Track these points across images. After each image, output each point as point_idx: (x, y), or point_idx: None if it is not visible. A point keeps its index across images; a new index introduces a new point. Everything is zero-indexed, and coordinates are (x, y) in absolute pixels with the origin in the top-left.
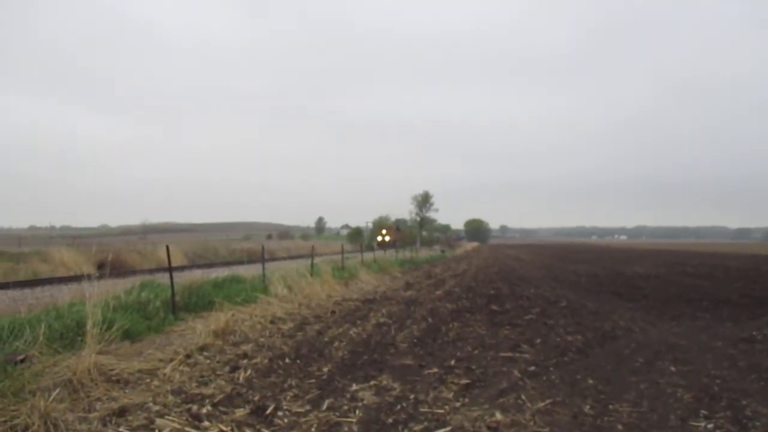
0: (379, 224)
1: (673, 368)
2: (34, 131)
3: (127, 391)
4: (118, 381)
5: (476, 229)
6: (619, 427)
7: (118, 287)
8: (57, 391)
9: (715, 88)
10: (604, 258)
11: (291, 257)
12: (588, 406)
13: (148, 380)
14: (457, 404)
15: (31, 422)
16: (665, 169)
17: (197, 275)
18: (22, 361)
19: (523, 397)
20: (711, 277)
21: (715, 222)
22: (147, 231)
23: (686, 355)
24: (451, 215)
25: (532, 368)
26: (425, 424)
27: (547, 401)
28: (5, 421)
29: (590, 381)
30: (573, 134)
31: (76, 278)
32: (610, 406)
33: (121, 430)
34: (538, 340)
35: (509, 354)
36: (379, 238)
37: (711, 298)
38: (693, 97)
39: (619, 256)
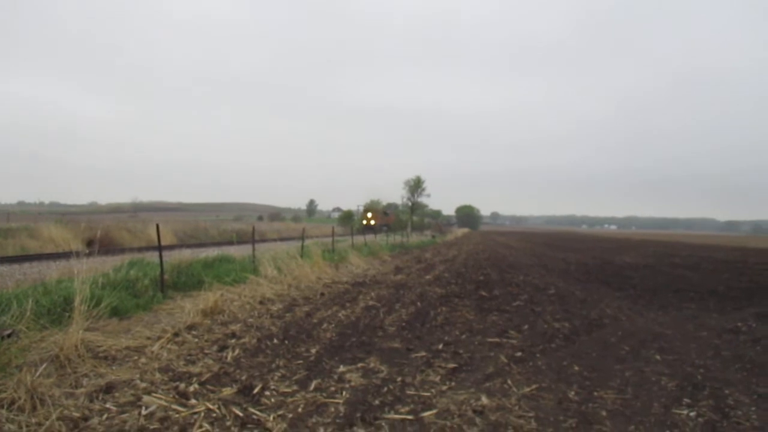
0: (370, 208)
1: (658, 357)
2: (24, 107)
3: (114, 367)
4: (105, 358)
5: (467, 216)
6: (603, 413)
7: (107, 265)
8: (44, 366)
9: (711, 81)
10: (594, 247)
11: (282, 239)
12: (573, 392)
13: (135, 357)
14: (444, 388)
15: (17, 396)
16: (657, 160)
17: (187, 254)
18: (9, 335)
19: (509, 382)
20: (699, 269)
21: (705, 214)
22: (137, 209)
23: (671, 344)
24: (442, 201)
25: (519, 354)
26: (412, 406)
27: (533, 386)
28: None
29: (576, 368)
30: (567, 124)
31: (65, 255)
32: (595, 393)
33: (107, 406)
34: (526, 327)
35: (496, 339)
36: (365, 222)
37: (698, 289)
38: (687, 90)
39: (608, 245)
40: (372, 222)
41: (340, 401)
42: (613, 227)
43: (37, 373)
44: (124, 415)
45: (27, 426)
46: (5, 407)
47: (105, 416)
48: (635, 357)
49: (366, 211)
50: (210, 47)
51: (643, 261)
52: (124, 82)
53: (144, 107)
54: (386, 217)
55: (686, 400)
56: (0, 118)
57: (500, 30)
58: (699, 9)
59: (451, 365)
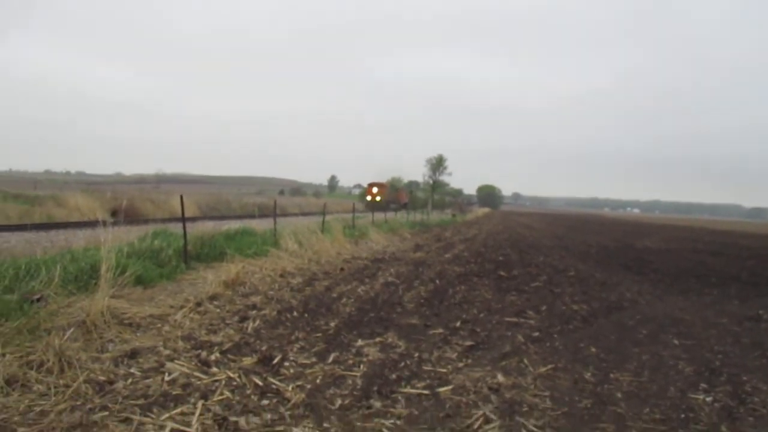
0: (391, 185)
1: (676, 341)
2: (53, 78)
3: (138, 334)
4: (130, 324)
5: (488, 195)
6: (619, 395)
7: (131, 234)
8: (71, 330)
9: (741, 61)
10: (616, 230)
11: (303, 214)
12: (589, 374)
13: (159, 325)
14: (460, 365)
15: (46, 359)
16: (682, 144)
17: (209, 226)
18: (38, 300)
19: (526, 361)
20: (721, 254)
21: (730, 200)
22: (161, 181)
23: (690, 330)
24: (464, 180)
25: (536, 334)
26: (428, 381)
27: (549, 366)
28: (21, 357)
29: (593, 349)
30: (592, 104)
31: (90, 224)
32: (611, 375)
33: (132, 371)
34: (544, 307)
35: (514, 319)
36: (368, 198)
37: (720, 275)
38: (718, 73)
39: (630, 229)
40: (378, 198)
41: (358, 374)
42: (636, 211)
43: (65, 337)
44: (147, 380)
45: (55, 387)
46: (35, 368)
47: (129, 380)
48: (653, 341)
49: (371, 185)
50: (233, 17)
51: (665, 245)
52: (150, 52)
53: (169, 78)
54: (396, 193)
55: (703, 386)
56: (27, 87)
57: (531, 6)
58: None
59: (468, 343)
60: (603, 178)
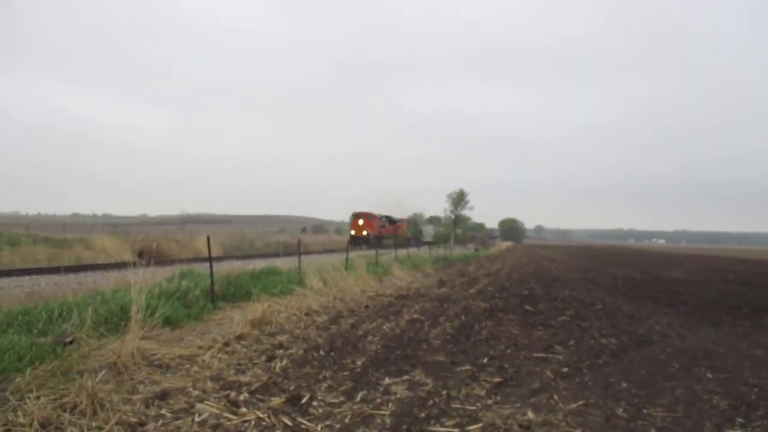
0: (413, 221)
1: (709, 375)
2: (77, 122)
3: (168, 375)
4: (159, 365)
5: (510, 229)
6: (653, 431)
7: (157, 275)
8: (103, 372)
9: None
10: (642, 261)
11: (326, 251)
12: (621, 409)
13: (188, 366)
14: (489, 402)
15: (79, 401)
16: (707, 172)
17: (235, 266)
18: (70, 342)
19: (556, 397)
20: (753, 284)
21: (759, 228)
22: (184, 221)
23: (724, 363)
24: (485, 214)
25: (565, 369)
26: (457, 419)
27: (580, 402)
28: (55, 399)
29: (624, 384)
30: (612, 135)
31: (117, 265)
32: (644, 410)
33: (163, 412)
34: (572, 342)
35: (542, 354)
36: (353, 232)
37: (752, 306)
38: (738, 97)
39: (657, 260)
40: (364, 232)
41: (387, 413)
42: (662, 241)
43: (97, 379)
44: (178, 422)
45: (88, 429)
46: (68, 411)
47: (160, 422)
48: (686, 375)
49: (357, 216)
50: (252, 58)
51: (694, 276)
52: (171, 94)
53: (191, 120)
54: (393, 226)
55: (739, 420)
56: (55, 134)
57: (547, 38)
58: None
59: (497, 379)
60: (627, 209)
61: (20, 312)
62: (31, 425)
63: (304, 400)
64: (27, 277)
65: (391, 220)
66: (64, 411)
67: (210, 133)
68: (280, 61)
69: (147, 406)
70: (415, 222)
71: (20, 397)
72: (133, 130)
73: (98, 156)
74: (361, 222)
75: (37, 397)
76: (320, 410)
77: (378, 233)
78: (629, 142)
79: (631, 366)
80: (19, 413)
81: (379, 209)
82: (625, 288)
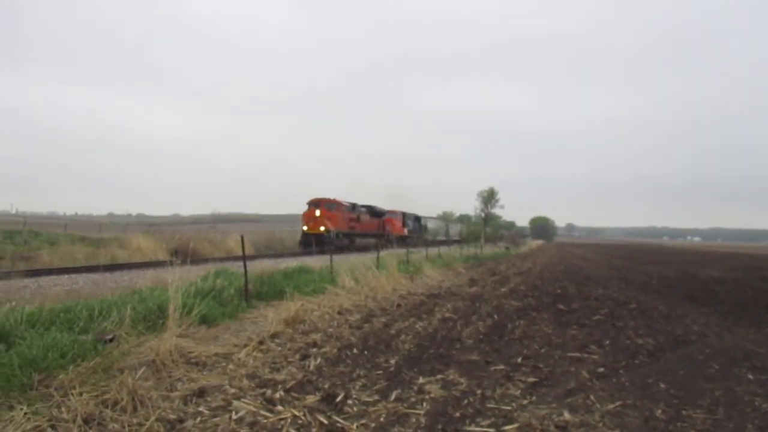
0: (443, 219)
1: (750, 376)
2: (114, 127)
3: (205, 373)
4: (196, 363)
5: (541, 227)
6: None
7: (192, 274)
8: (142, 370)
9: None
10: (676, 260)
11: (357, 250)
12: (660, 411)
13: (224, 364)
14: (525, 402)
15: (119, 398)
16: (743, 167)
17: (267, 265)
18: (110, 340)
19: (592, 397)
20: None
21: None
22: (216, 220)
23: (765, 363)
24: (516, 212)
25: (601, 369)
26: (492, 419)
27: (617, 403)
28: (97, 396)
29: (662, 385)
30: (646, 132)
31: (152, 264)
32: (684, 412)
33: (201, 409)
34: (607, 342)
35: (577, 354)
36: (305, 227)
37: None
38: None
39: (692, 258)
40: (322, 228)
41: (421, 412)
42: (697, 239)
43: (137, 376)
44: (216, 419)
45: (129, 426)
46: (110, 407)
47: (199, 419)
48: (725, 375)
49: (313, 205)
50: (279, 61)
51: (731, 275)
52: (202, 96)
53: (221, 120)
54: (373, 220)
55: None
56: (91, 135)
57: (583, 40)
58: None
59: (531, 379)
60: (660, 206)
61: (62, 310)
62: (74, 421)
63: (338, 399)
64: (66, 276)
65: (373, 212)
66: (106, 407)
67: (240, 134)
68: (303, 64)
69: (185, 403)
70: (444, 219)
71: (64, 394)
72: (166, 133)
73: (132, 158)
74: (317, 213)
75: (80, 394)
76: (355, 409)
77: (348, 229)
78: (663, 136)
79: (668, 366)
80: (63, 409)
81: (410, 209)
82: (660, 287)
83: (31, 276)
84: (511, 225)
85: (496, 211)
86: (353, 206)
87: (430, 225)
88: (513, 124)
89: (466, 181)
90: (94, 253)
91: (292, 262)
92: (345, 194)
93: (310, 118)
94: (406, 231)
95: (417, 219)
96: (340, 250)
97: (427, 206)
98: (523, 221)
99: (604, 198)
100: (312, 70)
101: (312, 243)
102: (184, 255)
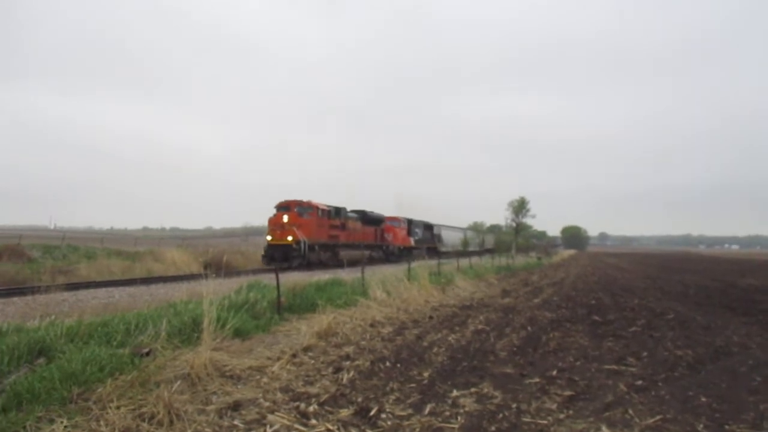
0: (474, 229)
1: None
2: (150, 142)
3: (239, 386)
4: (231, 376)
5: (573, 236)
6: None
7: (224, 286)
8: (178, 383)
9: None
10: (714, 269)
11: (388, 262)
12: (701, 425)
13: (258, 377)
14: (561, 416)
15: (156, 411)
16: None
17: (300, 277)
18: (147, 354)
19: (631, 411)
20: None
21: None
22: (248, 233)
23: None
24: (547, 221)
25: (640, 382)
26: None
27: (657, 417)
28: (134, 409)
29: (703, 398)
30: (679, 138)
31: (186, 277)
32: (726, 427)
33: (236, 423)
34: (645, 354)
35: (614, 367)
36: (270, 237)
37: None
38: None
39: (730, 266)
40: (290, 238)
41: (456, 426)
42: (735, 247)
43: (173, 390)
44: None
45: None
46: (146, 421)
47: None
48: None
49: (281, 209)
50: (306, 76)
51: None
52: (230, 110)
53: (250, 137)
54: (365, 229)
55: None
56: (128, 152)
57: (607, 43)
58: None
59: (568, 393)
60: (696, 214)
61: (99, 324)
62: None
63: (372, 413)
64: (103, 289)
65: (367, 218)
66: (143, 421)
67: (268, 147)
68: (331, 78)
69: (220, 417)
70: (476, 229)
71: (102, 407)
72: (199, 149)
73: (166, 173)
74: (285, 219)
75: (118, 407)
76: (389, 422)
77: (329, 239)
78: (698, 140)
79: (709, 379)
80: (101, 423)
81: (441, 220)
82: (698, 297)
83: (69, 290)
84: (542, 235)
85: (528, 220)
86: (337, 211)
87: (446, 234)
88: (543, 133)
89: (497, 191)
90: (130, 267)
91: (324, 275)
92: (372, 206)
93: (340, 131)
94: (412, 241)
95: (428, 227)
96: (319, 266)
97: (456, 218)
98: (554, 231)
99: (637, 206)
100: (341, 84)
101: (277, 257)
102: (217, 268)
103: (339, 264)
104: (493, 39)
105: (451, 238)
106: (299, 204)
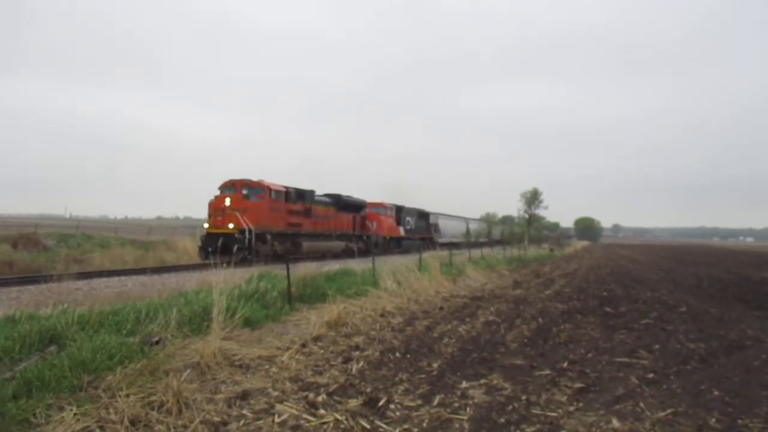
0: (486, 221)
1: None
2: (161, 132)
3: (248, 375)
4: (240, 366)
5: (586, 228)
6: None
7: (235, 276)
8: (187, 372)
9: None
10: (728, 261)
11: (399, 252)
12: (714, 419)
13: (267, 367)
14: (571, 408)
15: (165, 400)
16: None
17: (310, 267)
18: (156, 342)
19: (642, 405)
20: None
21: None
22: None
23: None
24: (560, 213)
25: (651, 375)
26: (538, 426)
27: (668, 411)
28: (143, 398)
29: (716, 392)
30: (693, 128)
31: (198, 266)
32: (739, 421)
33: (244, 412)
34: (657, 346)
35: (625, 359)
36: (207, 225)
37: None
38: None
39: (745, 259)
40: (231, 225)
41: (465, 418)
42: (750, 239)
43: (182, 379)
44: (259, 422)
45: (174, 428)
46: (155, 409)
47: (242, 422)
48: None
49: (225, 190)
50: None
51: None
52: (242, 99)
53: (261, 121)
54: (340, 216)
55: None
56: (143, 143)
57: (621, 34)
58: None
59: (578, 385)
60: (711, 205)
61: (110, 312)
62: (121, 422)
63: (381, 403)
64: (116, 278)
65: (342, 204)
66: (152, 409)
67: (274, 135)
68: (341, 68)
69: (229, 406)
70: (488, 221)
71: (111, 395)
72: (210, 138)
73: (179, 163)
74: (227, 202)
75: (127, 395)
76: (398, 413)
77: (288, 227)
78: (710, 134)
79: (722, 372)
80: (111, 410)
81: (454, 210)
82: (712, 289)
83: (83, 278)
84: (555, 226)
85: (540, 212)
86: (299, 193)
87: (443, 223)
88: (555, 123)
89: (508, 181)
90: (143, 256)
91: (334, 265)
92: (381, 197)
93: (348, 121)
94: (402, 231)
95: (422, 216)
96: (277, 258)
97: (469, 208)
98: (567, 222)
99: (651, 198)
100: (351, 74)
101: (215, 249)
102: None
103: (300, 256)
104: (504, 30)
105: (450, 228)
106: (247, 184)
